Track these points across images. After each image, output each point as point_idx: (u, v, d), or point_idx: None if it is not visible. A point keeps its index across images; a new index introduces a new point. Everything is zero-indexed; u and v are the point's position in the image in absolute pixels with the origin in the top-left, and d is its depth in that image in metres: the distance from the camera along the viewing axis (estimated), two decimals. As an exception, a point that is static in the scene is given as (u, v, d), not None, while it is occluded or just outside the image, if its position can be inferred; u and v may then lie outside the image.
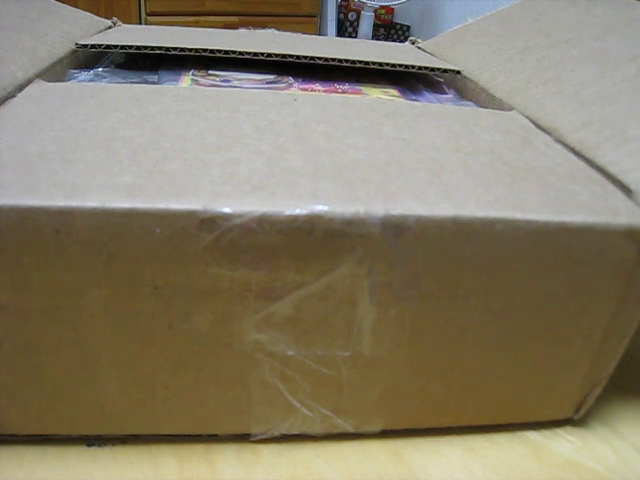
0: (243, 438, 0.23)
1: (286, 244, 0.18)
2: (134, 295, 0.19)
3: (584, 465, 0.23)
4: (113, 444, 0.22)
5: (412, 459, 0.22)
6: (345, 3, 1.93)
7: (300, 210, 0.18)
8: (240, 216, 0.18)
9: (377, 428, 0.23)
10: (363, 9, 1.77)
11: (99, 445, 0.22)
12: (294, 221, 0.18)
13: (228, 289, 0.19)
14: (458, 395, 0.23)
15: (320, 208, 0.18)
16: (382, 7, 1.84)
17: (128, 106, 0.25)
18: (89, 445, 0.22)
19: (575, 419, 0.25)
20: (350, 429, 0.23)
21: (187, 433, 0.22)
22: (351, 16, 1.93)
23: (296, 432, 0.23)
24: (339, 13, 1.92)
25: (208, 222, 0.18)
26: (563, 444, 0.24)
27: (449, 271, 0.20)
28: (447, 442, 0.23)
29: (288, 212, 0.18)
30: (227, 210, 0.18)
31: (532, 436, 0.24)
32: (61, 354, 0.20)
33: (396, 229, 0.19)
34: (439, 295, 0.20)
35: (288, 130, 0.23)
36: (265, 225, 0.18)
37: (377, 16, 1.87)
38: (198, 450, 0.22)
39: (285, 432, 0.23)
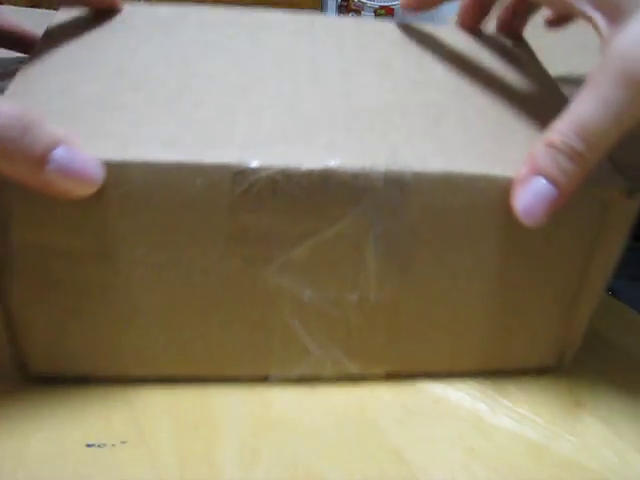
0: (261, 382, 0.25)
1: (304, 195, 0.21)
2: (175, 241, 0.22)
3: (584, 465, 0.23)
4: (113, 444, 0.22)
5: (412, 459, 0.22)
6: (345, 3, 1.93)
7: (316, 165, 0.21)
8: (266, 169, 0.21)
9: (382, 371, 0.26)
10: (363, 9, 1.77)
11: (99, 445, 0.22)
12: (310, 175, 0.21)
13: (255, 235, 0.22)
14: (453, 340, 0.25)
15: (333, 163, 0.21)
16: (382, 7, 1.84)
17: (155, 36, 0.26)
18: (89, 445, 0.22)
19: (558, 368, 0.27)
20: (357, 372, 0.25)
21: (213, 374, 0.25)
22: (351, 16, 1.93)
23: (309, 374, 0.25)
24: (339, 13, 1.92)
25: (240, 175, 0.21)
26: (563, 444, 0.24)
27: (442, 221, 0.22)
28: (447, 442, 0.23)
29: (305, 167, 0.21)
30: (255, 164, 0.21)
31: (532, 436, 0.24)
32: (108, 297, 0.22)
33: (396, 183, 0.21)
34: (434, 243, 0.23)
35: (306, 68, 0.26)
36: (287, 177, 0.21)
37: (377, 16, 1.87)
38: (198, 450, 0.22)
39: (300, 374, 0.25)
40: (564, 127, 0.20)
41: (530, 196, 0.21)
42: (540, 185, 0.21)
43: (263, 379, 0.25)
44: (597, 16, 0.21)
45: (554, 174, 0.21)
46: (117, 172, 0.20)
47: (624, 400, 0.26)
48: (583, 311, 0.26)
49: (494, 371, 0.27)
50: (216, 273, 0.22)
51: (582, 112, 0.20)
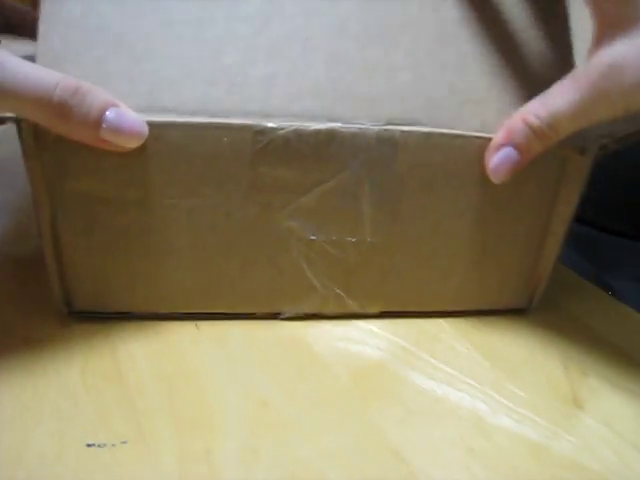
0: (274, 317, 0.29)
1: (312, 150, 0.25)
2: (204, 190, 0.25)
3: (584, 465, 0.23)
4: (113, 444, 0.22)
5: (412, 459, 0.22)
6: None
7: (322, 126, 0.25)
8: (281, 129, 0.25)
9: (376, 310, 0.30)
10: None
11: (99, 445, 0.22)
12: (317, 134, 0.25)
13: (271, 184, 0.26)
14: (437, 280, 0.30)
15: (335, 125, 0.25)
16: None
17: None
18: (89, 445, 0.22)
19: (528, 310, 0.32)
20: (356, 309, 0.30)
21: (233, 311, 0.29)
22: None
23: (315, 311, 0.29)
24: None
25: (259, 133, 0.25)
26: (563, 444, 0.24)
27: (426, 173, 0.27)
28: (447, 442, 0.23)
29: (313, 127, 0.25)
30: (272, 125, 0.25)
31: (532, 436, 0.24)
32: (146, 240, 0.26)
33: (387, 141, 0.26)
34: (419, 192, 0.27)
35: (320, 33, 0.26)
36: (298, 136, 0.25)
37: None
38: (198, 450, 0.22)
39: (307, 311, 0.29)
40: (541, 112, 0.24)
41: (500, 159, 0.26)
42: (509, 151, 0.25)
43: (276, 315, 0.29)
44: (597, 17, 0.23)
45: (522, 146, 0.25)
46: (157, 131, 0.24)
47: (624, 400, 0.26)
48: (548, 255, 0.30)
49: (473, 311, 0.31)
50: (237, 217, 0.26)
51: (559, 105, 0.24)
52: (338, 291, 0.29)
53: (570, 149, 0.27)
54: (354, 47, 0.26)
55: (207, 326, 0.28)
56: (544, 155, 0.26)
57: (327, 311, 0.29)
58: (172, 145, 0.24)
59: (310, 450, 0.22)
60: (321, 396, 0.25)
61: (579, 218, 0.52)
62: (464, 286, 0.30)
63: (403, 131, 0.26)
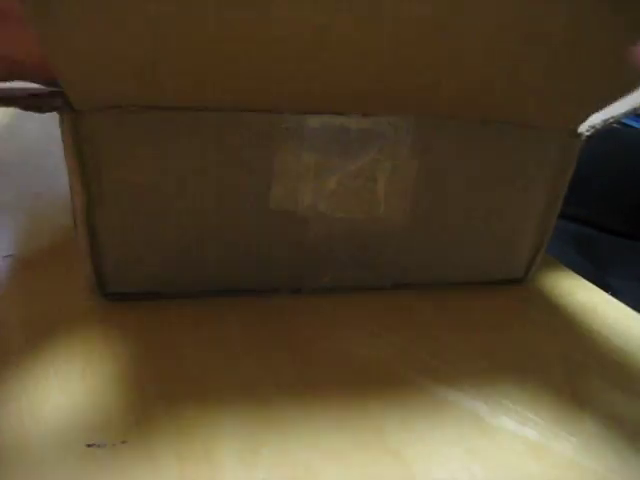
0: (296, 291, 0.31)
1: (334, 138, 0.28)
2: (236, 174, 0.27)
3: (584, 465, 0.23)
4: (113, 444, 0.22)
5: (412, 459, 0.22)
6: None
7: (345, 118, 0.27)
8: (309, 119, 0.27)
9: (390, 283, 0.33)
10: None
11: (99, 445, 0.22)
12: (341, 124, 0.27)
13: (296, 170, 0.28)
14: (445, 255, 0.32)
15: (357, 116, 0.27)
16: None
17: None
18: (89, 445, 0.22)
19: (525, 280, 0.35)
20: (372, 282, 0.32)
21: (259, 288, 0.31)
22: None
23: (334, 284, 0.32)
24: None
25: (288, 124, 0.27)
26: (563, 444, 0.24)
27: (436, 157, 0.29)
28: (447, 442, 0.23)
29: (336, 118, 0.27)
30: (299, 118, 0.27)
31: (532, 436, 0.24)
32: (180, 223, 0.28)
33: (401, 130, 0.28)
34: (430, 175, 0.30)
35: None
36: (323, 126, 0.27)
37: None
38: (198, 450, 0.22)
39: (325, 284, 0.32)
40: None
41: None
42: None
43: (298, 290, 0.32)
44: None
45: None
46: (191, 120, 0.25)
47: (624, 400, 0.26)
48: (545, 229, 0.34)
49: (481, 282, 0.34)
50: (265, 200, 0.28)
51: None
52: (355, 267, 0.32)
53: (567, 133, 0.31)
54: (392, 46, 0.25)
55: (207, 326, 0.29)
56: (546, 138, 0.30)
57: (345, 284, 0.32)
58: (204, 134, 0.26)
59: (310, 450, 0.22)
60: (321, 396, 0.25)
61: (579, 218, 0.52)
62: (470, 259, 0.33)
63: (416, 122, 0.28)
